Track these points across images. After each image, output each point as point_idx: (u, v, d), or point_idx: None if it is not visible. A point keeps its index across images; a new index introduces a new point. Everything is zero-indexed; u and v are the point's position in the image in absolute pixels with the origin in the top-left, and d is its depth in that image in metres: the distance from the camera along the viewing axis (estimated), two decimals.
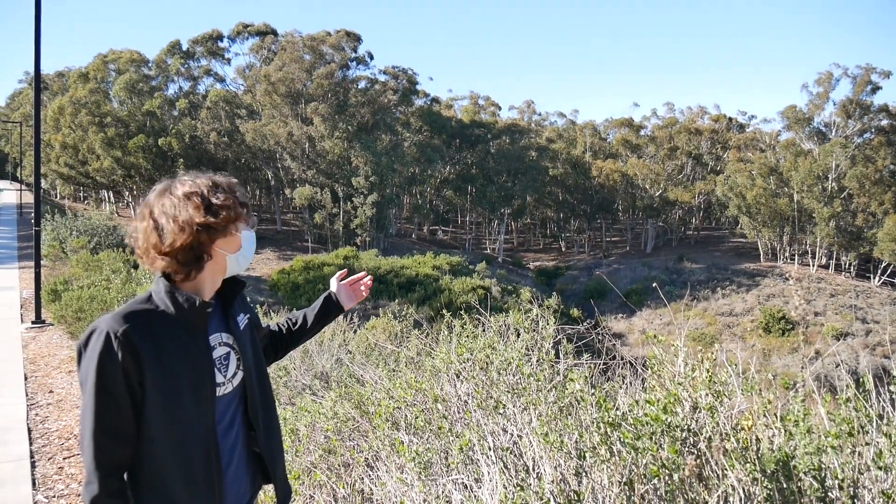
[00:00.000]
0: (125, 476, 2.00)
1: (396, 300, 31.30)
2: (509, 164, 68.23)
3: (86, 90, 56.42)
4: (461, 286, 37.04)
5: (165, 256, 2.03)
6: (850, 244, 55.65)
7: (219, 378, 2.12)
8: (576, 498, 2.73)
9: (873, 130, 58.83)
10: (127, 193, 64.73)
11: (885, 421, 2.48)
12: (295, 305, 25.77)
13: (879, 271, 54.99)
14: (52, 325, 13.46)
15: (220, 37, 64.85)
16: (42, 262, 15.68)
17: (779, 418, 2.53)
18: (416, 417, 4.16)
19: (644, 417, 2.70)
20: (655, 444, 2.64)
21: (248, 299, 2.45)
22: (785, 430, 2.45)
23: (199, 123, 58.36)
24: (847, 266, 57.92)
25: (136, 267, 16.49)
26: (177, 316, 2.03)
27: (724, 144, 73.48)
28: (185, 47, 63.60)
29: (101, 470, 1.92)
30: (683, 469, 2.57)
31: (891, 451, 2.34)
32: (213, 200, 2.06)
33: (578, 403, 3.28)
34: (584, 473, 2.89)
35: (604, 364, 4.57)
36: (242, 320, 2.29)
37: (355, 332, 10.79)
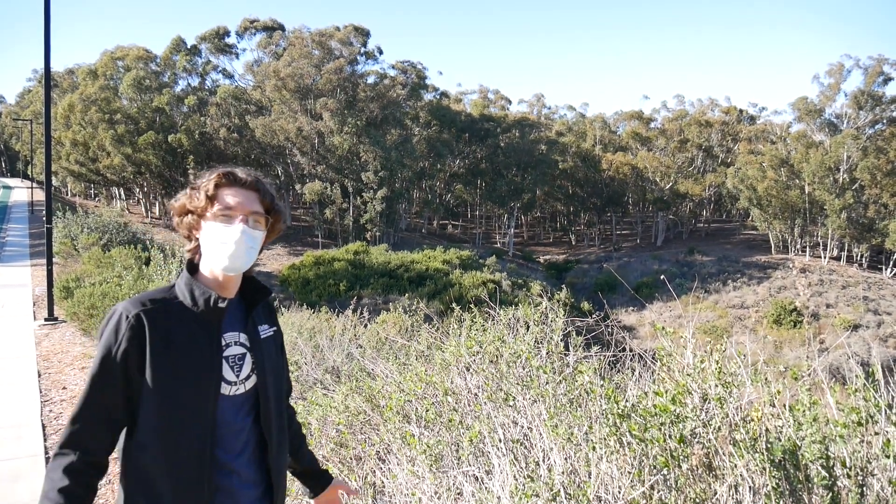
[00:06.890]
0: (101, 465, 1.96)
1: (407, 295, 31.24)
2: (519, 158, 68.09)
3: (95, 87, 56.50)
4: (471, 280, 36.94)
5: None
6: (862, 236, 55.35)
7: (230, 376, 2.06)
8: (585, 489, 2.75)
9: (885, 121, 58.47)
10: (137, 190, 64.84)
11: (894, 410, 2.48)
12: (306, 301, 25.70)
13: (891, 263, 54.71)
14: (65, 321, 13.52)
15: (226, 33, 64.91)
16: (54, 259, 15.77)
17: (787, 408, 2.54)
18: (427, 410, 4.18)
19: (653, 409, 2.71)
20: (664, 434, 2.65)
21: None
22: (794, 420, 2.46)
23: (209, 120, 58.44)
24: (859, 258, 57.64)
25: (147, 263, 16.58)
26: (192, 308, 2.04)
27: (734, 136, 73.23)
28: (191, 44, 63.76)
29: (68, 444, 1.91)
30: (691, 459, 2.58)
31: None
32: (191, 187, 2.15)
33: (588, 395, 3.29)
34: (593, 465, 2.91)
35: (613, 356, 4.58)
36: (266, 331, 2.24)
37: (366, 326, 10.83)
